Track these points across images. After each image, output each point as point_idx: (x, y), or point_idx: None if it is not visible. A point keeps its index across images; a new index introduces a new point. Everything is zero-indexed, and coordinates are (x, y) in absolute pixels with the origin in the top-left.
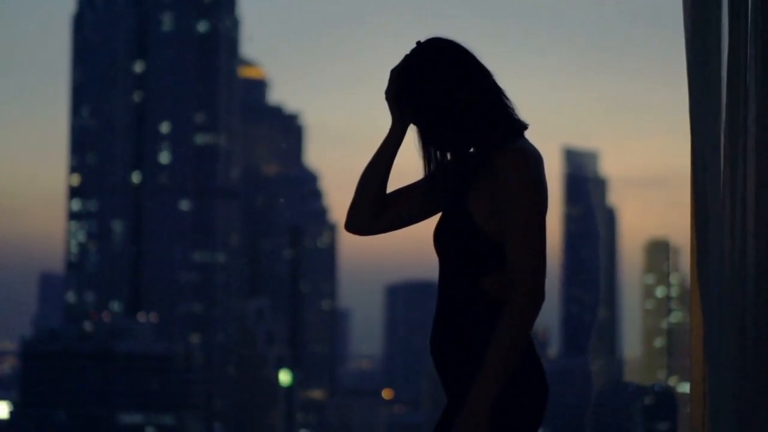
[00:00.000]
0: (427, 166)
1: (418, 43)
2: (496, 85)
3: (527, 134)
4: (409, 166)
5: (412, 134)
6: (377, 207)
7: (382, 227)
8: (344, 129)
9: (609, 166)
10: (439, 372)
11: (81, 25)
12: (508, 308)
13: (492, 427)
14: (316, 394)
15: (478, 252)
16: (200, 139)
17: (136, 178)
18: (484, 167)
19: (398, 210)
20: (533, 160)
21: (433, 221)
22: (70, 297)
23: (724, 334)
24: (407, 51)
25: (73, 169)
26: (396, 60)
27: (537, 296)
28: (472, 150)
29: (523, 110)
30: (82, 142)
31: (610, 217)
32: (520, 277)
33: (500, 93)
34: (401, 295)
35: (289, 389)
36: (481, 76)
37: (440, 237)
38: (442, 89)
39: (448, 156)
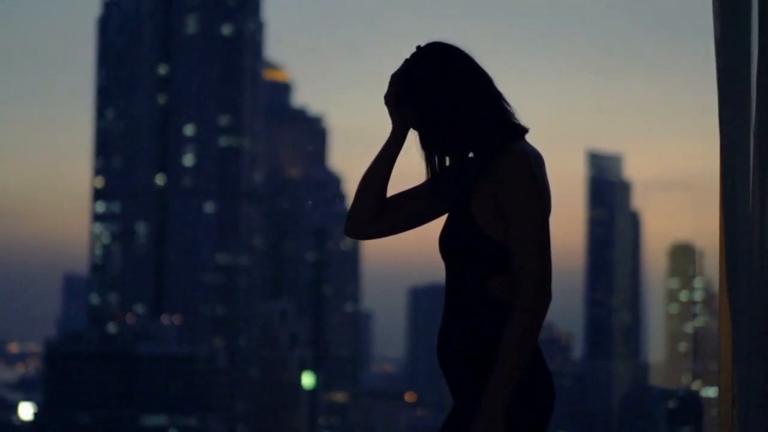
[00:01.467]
0: (429, 169)
1: (419, 47)
2: (495, 90)
3: (545, 140)
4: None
5: (412, 138)
6: (377, 211)
7: (381, 231)
8: (368, 132)
9: (634, 170)
10: (446, 375)
11: (106, 28)
12: (516, 310)
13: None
14: (339, 396)
15: (481, 255)
16: (224, 141)
17: (160, 180)
18: (485, 170)
19: (399, 214)
20: (534, 161)
21: (439, 224)
22: (94, 299)
23: (753, 337)
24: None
25: (98, 171)
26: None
27: (544, 297)
28: (472, 154)
29: (546, 114)
30: (106, 145)
31: (634, 220)
32: (526, 279)
33: (500, 97)
34: (424, 298)
35: (312, 392)
36: (481, 80)
37: (444, 240)
38: (441, 94)
39: (448, 160)
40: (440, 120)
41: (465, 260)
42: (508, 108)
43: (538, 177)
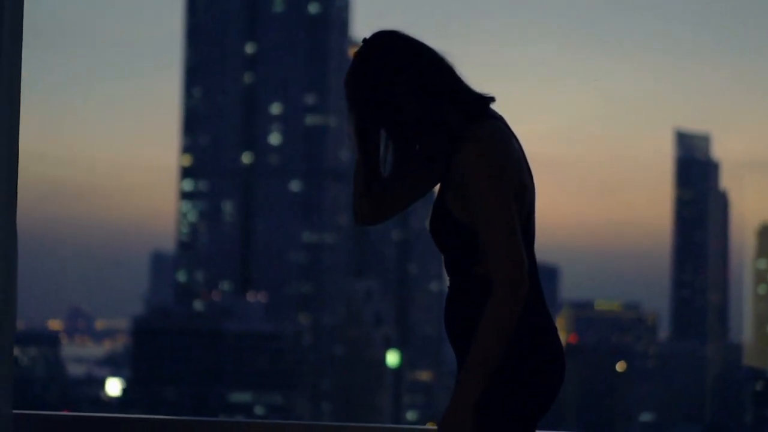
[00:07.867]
0: (367, 154)
1: (364, 40)
2: (447, 65)
3: (633, 119)
4: None
5: None
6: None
7: (386, 215)
8: None
9: (723, 149)
10: (453, 349)
11: (193, 6)
12: (489, 301)
13: (495, 414)
14: (424, 375)
15: (461, 242)
16: (310, 120)
17: (246, 158)
18: (451, 158)
19: (393, 199)
20: (492, 145)
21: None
22: (181, 276)
23: None
24: (517, 32)
25: (185, 149)
26: (511, 46)
27: (517, 285)
28: (437, 137)
29: (634, 93)
30: (193, 123)
31: (722, 200)
32: (496, 269)
33: (452, 73)
34: None
35: (397, 370)
36: (430, 60)
37: (430, 229)
38: (394, 83)
39: (388, 146)
40: (398, 108)
41: (448, 247)
42: (463, 83)
43: (499, 161)
